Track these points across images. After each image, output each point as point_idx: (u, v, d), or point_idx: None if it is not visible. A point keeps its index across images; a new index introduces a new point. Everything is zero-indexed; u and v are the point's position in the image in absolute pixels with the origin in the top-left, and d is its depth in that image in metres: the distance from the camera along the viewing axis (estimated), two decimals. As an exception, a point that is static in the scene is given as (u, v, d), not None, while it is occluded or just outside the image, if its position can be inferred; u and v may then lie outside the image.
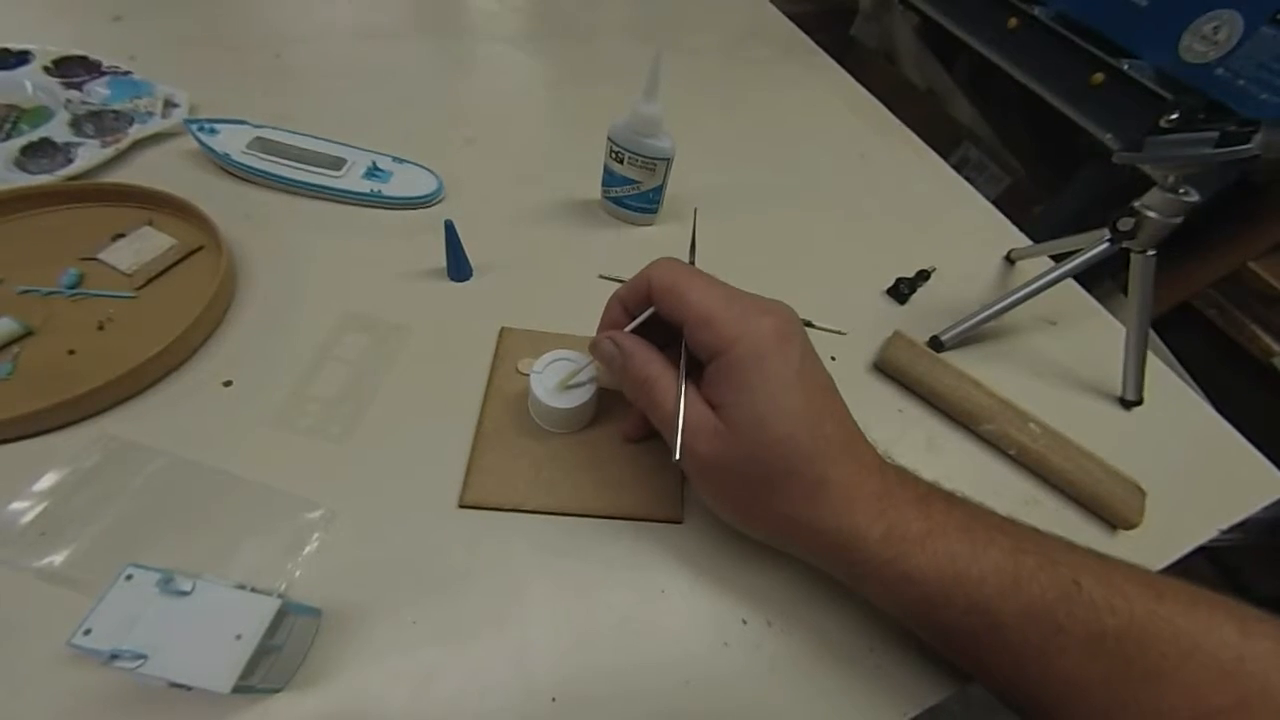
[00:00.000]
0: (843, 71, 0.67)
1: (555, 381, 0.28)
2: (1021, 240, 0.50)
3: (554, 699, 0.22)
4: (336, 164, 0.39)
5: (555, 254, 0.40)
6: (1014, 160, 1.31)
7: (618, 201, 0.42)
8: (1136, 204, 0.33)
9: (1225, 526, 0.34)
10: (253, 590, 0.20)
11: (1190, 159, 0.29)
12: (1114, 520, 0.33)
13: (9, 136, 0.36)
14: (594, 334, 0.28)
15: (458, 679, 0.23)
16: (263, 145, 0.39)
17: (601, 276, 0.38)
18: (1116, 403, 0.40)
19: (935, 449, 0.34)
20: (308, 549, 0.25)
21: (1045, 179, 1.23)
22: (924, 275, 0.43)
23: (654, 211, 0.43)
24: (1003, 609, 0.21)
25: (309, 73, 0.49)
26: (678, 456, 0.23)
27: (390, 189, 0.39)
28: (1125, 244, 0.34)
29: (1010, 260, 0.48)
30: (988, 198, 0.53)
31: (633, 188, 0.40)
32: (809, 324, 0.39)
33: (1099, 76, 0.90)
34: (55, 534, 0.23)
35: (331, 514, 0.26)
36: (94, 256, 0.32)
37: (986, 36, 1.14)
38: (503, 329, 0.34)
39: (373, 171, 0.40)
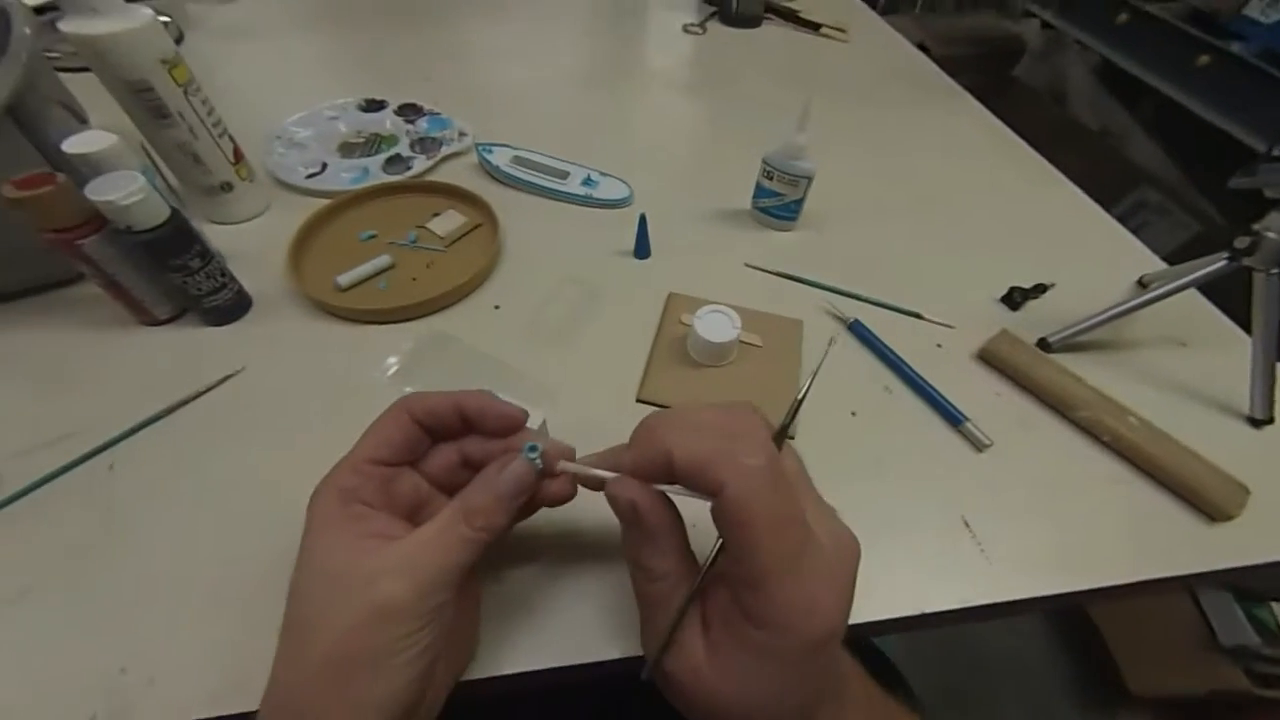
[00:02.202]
0: (983, 109, 0.72)
1: (709, 328, 0.40)
2: (1158, 266, 0.51)
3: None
4: (563, 175, 0.56)
5: (712, 246, 0.52)
6: (1205, 204, 1.19)
7: (764, 210, 0.53)
8: (1256, 225, 0.36)
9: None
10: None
11: (1301, 184, 0.32)
12: (1210, 510, 0.35)
13: (377, 153, 0.58)
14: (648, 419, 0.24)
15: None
16: (520, 161, 0.56)
17: (747, 265, 0.49)
18: (1245, 421, 0.40)
19: (1027, 427, 0.39)
20: (543, 419, 0.38)
21: (1243, 225, 1.09)
22: (1041, 288, 0.48)
23: (793, 219, 0.53)
24: None
25: (544, 110, 0.68)
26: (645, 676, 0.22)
27: (598, 194, 0.54)
28: (1246, 262, 0.37)
29: (1143, 284, 0.50)
30: (1169, 245, 0.54)
31: (778, 199, 0.51)
32: (917, 315, 0.45)
33: (1308, 115, 0.82)
34: (409, 378, 0.39)
35: (556, 395, 0.39)
36: (424, 225, 0.50)
37: (1173, 75, 1.08)
38: (670, 294, 0.46)
39: (587, 181, 0.55)
